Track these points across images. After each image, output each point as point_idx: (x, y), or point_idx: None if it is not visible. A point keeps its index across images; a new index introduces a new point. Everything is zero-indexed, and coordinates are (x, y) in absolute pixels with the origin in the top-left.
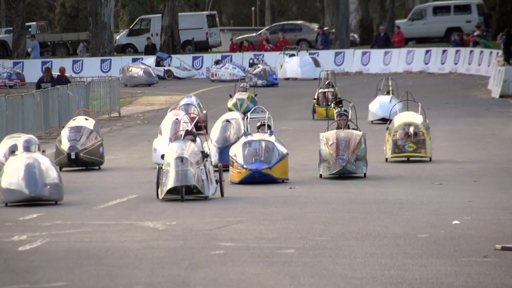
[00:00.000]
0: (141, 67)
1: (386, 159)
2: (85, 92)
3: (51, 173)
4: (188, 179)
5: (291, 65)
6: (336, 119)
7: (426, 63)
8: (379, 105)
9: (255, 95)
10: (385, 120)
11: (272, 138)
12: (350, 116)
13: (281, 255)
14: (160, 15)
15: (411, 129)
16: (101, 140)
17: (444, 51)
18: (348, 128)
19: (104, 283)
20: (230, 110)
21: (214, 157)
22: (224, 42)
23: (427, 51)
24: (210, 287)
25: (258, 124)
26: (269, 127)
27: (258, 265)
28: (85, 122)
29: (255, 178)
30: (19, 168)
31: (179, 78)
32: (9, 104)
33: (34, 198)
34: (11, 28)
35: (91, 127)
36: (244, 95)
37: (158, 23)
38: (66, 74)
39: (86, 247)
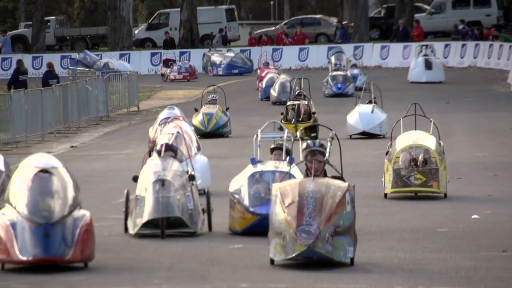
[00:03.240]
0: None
1: (385, 194)
2: (104, 87)
3: None
4: (170, 209)
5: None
6: (304, 159)
7: (445, 57)
8: (358, 116)
9: (227, 109)
10: (366, 135)
11: (293, 169)
12: (328, 155)
13: None
14: (178, 9)
15: (420, 155)
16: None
17: (463, 45)
18: (325, 175)
19: (123, 277)
20: (196, 127)
21: None
22: (242, 36)
23: (446, 45)
24: (228, 281)
25: (272, 146)
26: (288, 152)
27: None
28: None
29: (266, 226)
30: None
31: None
32: (28, 98)
33: None
34: (30, 23)
35: (1, 167)
36: (212, 109)
37: (176, 17)
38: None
39: (105, 241)
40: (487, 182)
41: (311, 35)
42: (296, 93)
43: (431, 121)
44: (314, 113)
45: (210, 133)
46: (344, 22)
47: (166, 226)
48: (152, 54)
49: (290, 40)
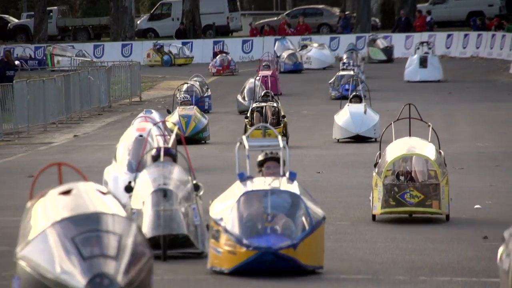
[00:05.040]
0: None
1: (374, 216)
2: (106, 77)
3: None
4: (174, 224)
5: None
6: None
7: (448, 47)
8: (350, 116)
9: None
10: (359, 139)
11: (294, 187)
12: None
13: None
14: None
15: (416, 167)
16: (149, 255)
17: (465, 35)
18: None
19: None
20: (171, 131)
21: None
22: (245, 27)
23: (448, 35)
24: (232, 274)
25: (261, 158)
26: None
27: None
28: (103, 202)
29: (266, 263)
30: None
31: None
32: (30, 88)
33: None
34: (32, 13)
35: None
36: (189, 110)
37: (179, 7)
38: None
39: None
40: (489, 173)
41: (314, 25)
42: (263, 93)
43: (429, 125)
44: (284, 116)
45: (189, 138)
46: (346, 13)
47: (168, 245)
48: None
49: (292, 30)
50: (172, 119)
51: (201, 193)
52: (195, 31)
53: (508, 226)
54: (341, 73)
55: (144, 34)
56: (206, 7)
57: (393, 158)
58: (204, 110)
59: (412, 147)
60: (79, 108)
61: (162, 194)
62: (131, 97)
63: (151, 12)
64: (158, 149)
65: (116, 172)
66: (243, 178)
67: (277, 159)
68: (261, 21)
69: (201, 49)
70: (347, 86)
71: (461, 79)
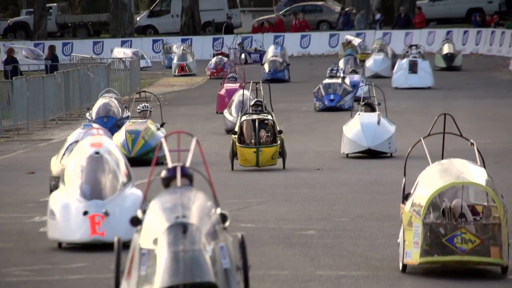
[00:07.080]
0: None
1: (405, 266)
2: (106, 73)
3: None
4: (198, 270)
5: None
6: None
7: None
8: (361, 129)
9: (162, 124)
10: (371, 154)
11: None
12: None
13: (301, 237)
14: None
15: (464, 199)
16: None
17: (465, 32)
18: None
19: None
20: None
21: None
22: (244, 24)
23: (448, 32)
24: None
25: None
26: None
27: (278, 246)
28: None
29: None
30: None
31: None
32: (30, 85)
33: None
34: (32, 10)
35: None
36: (140, 125)
37: (178, 4)
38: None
39: None
40: (488, 169)
41: (313, 22)
42: (253, 102)
43: (471, 143)
44: (280, 132)
45: (136, 159)
46: (346, 9)
47: None
48: (154, 41)
49: (296, 23)
50: (119, 137)
51: (227, 224)
52: (194, 28)
53: (509, 223)
54: (327, 81)
55: (143, 31)
56: (205, 4)
57: (438, 188)
58: None
59: (461, 173)
60: (79, 105)
61: (181, 229)
62: (130, 94)
63: (151, 8)
64: (173, 169)
65: (66, 198)
66: None
67: None
68: (260, 18)
69: (201, 46)
70: (332, 97)
71: (460, 75)
